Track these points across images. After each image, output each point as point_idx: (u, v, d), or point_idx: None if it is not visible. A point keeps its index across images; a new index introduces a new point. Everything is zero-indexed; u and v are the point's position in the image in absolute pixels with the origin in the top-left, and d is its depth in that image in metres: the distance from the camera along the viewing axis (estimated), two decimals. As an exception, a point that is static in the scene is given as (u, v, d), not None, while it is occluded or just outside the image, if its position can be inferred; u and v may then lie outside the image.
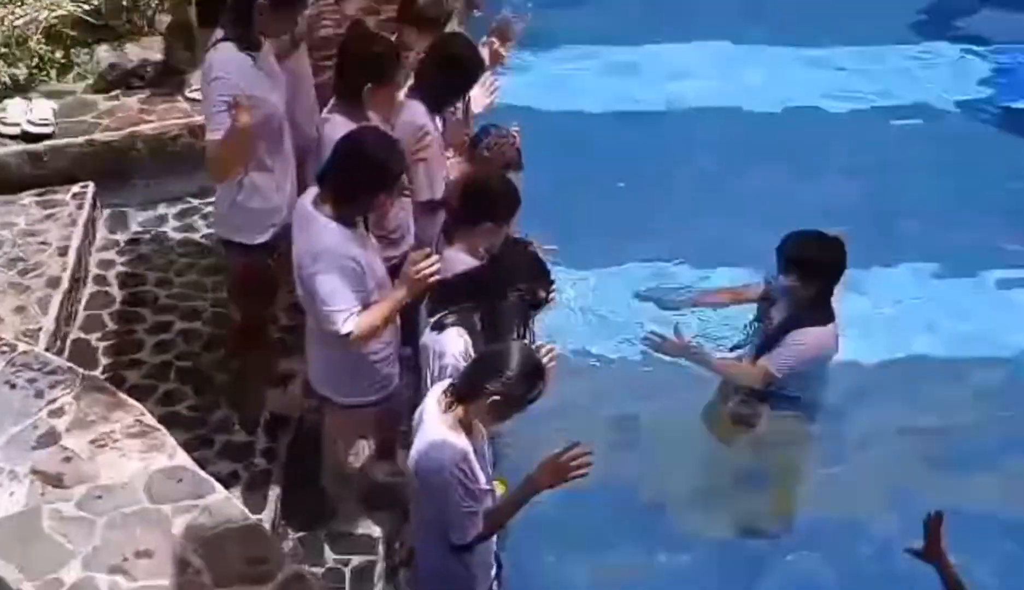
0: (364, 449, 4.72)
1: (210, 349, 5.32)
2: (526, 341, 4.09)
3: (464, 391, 3.74)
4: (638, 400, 5.41)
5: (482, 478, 3.80)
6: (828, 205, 6.18)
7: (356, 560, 4.76)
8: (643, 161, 6.64)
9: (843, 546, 4.90)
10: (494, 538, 4.04)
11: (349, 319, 4.13)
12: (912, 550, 3.74)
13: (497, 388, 3.67)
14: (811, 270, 4.87)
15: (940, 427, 5.28)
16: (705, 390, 5.22)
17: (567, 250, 5.37)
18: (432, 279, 4.10)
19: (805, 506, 5.16)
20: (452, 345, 4.17)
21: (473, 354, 4.09)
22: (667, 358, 5.12)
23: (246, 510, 4.12)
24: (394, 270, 4.39)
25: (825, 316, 4.97)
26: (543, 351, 4.10)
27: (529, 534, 4.63)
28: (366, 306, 4.20)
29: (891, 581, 4.54)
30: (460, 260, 4.51)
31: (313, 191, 4.27)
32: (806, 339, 4.94)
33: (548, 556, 4.86)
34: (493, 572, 4.12)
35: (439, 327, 4.22)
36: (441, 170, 4.96)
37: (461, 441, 3.74)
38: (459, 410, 3.75)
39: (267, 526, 4.57)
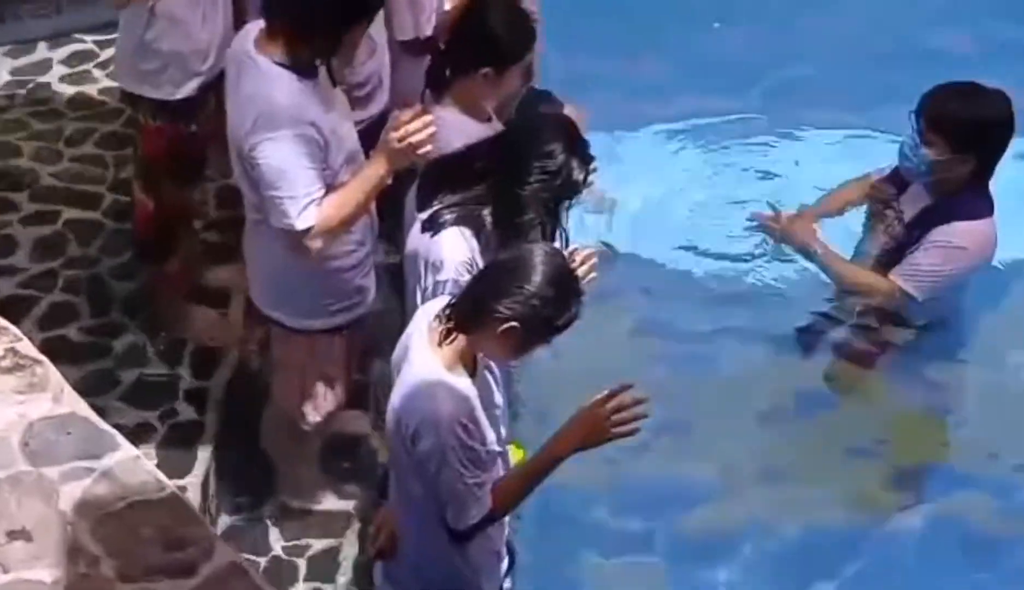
0: (327, 393, 4.73)
1: (111, 250, 5.36)
2: (555, 244, 4.07)
3: (467, 315, 3.74)
4: (709, 331, 5.53)
5: (490, 436, 3.82)
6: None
7: (315, 546, 4.84)
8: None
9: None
10: (505, 520, 4.07)
11: (308, 209, 4.16)
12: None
13: (514, 310, 3.68)
14: (967, 136, 4.86)
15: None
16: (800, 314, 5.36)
17: (609, 117, 5.43)
18: (424, 149, 4.12)
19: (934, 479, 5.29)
20: (452, 251, 4.19)
21: (481, 264, 4.12)
22: (771, 258, 5.36)
23: (162, 476, 4.06)
24: (366, 137, 4.41)
25: (983, 206, 5.01)
26: (579, 257, 4.13)
27: (552, 513, 4.78)
28: (331, 189, 4.23)
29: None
30: (455, 124, 4.53)
31: (256, 26, 4.29)
32: (958, 238, 4.96)
33: (575, 547, 5.00)
34: (504, 566, 4.17)
35: (433, 226, 4.24)
36: None
37: (462, 385, 3.75)
38: (460, 342, 3.76)
39: (192, 499, 4.60)
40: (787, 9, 6.84)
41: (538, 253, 3.75)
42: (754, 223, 5.52)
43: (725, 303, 5.59)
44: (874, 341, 5.25)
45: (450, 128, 4.46)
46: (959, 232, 4.95)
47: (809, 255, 5.26)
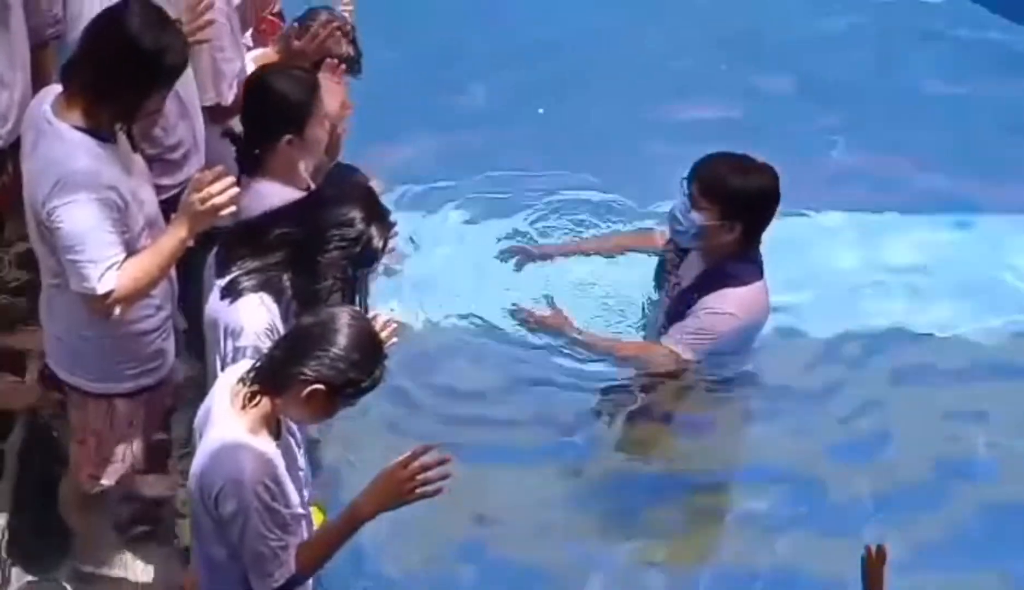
0: (125, 455, 4.73)
1: None
2: (356, 308, 4.12)
3: (271, 378, 3.76)
4: (510, 390, 5.65)
5: (294, 498, 3.85)
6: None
7: None
8: (527, 54, 7.01)
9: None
10: (309, 585, 4.09)
11: (108, 273, 4.17)
12: None
13: (319, 372, 3.71)
14: (736, 204, 5.07)
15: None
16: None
17: (415, 187, 5.61)
18: (227, 211, 4.14)
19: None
20: (251, 318, 4.21)
21: (282, 330, 4.15)
22: (541, 339, 5.44)
23: None
24: (175, 206, 4.41)
25: (751, 271, 5.21)
26: (380, 321, 4.20)
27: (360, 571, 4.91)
28: (130, 254, 4.25)
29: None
30: (273, 194, 4.58)
31: (52, 91, 4.31)
32: (727, 305, 5.16)
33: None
34: None
35: (232, 292, 4.25)
36: (236, 60, 5.05)
37: (266, 447, 3.78)
38: (263, 405, 3.78)
39: None
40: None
41: (343, 316, 3.77)
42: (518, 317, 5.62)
43: (522, 374, 5.70)
44: (663, 401, 5.45)
45: (268, 198, 4.50)
46: (729, 299, 5.14)
47: (571, 340, 5.41)
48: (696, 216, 5.09)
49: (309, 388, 3.71)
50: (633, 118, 6.81)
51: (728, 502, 5.49)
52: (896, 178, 6.60)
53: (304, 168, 4.73)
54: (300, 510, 3.89)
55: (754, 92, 7.04)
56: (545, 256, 5.90)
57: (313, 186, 4.74)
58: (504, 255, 5.92)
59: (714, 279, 5.17)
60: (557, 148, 6.67)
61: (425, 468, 3.78)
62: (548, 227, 6.26)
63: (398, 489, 3.81)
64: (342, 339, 3.71)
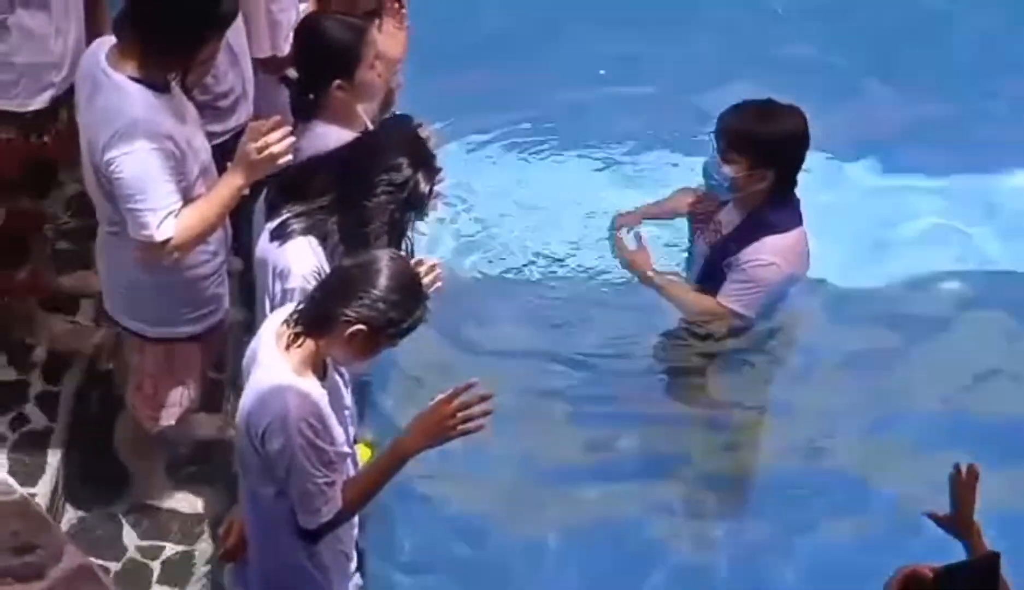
0: (182, 397, 4.85)
1: None
2: (400, 252, 4.16)
3: (314, 319, 3.81)
4: (554, 339, 5.72)
5: (339, 437, 3.91)
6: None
7: (168, 550, 4.95)
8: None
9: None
10: (355, 521, 4.17)
11: (167, 221, 4.24)
12: (935, 516, 3.90)
13: (360, 313, 3.75)
14: (764, 152, 5.05)
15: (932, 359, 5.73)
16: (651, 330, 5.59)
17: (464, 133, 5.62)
18: (284, 159, 4.19)
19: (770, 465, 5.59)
20: (299, 260, 4.26)
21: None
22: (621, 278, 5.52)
23: (11, 480, 4.27)
24: (228, 150, 4.46)
25: (789, 218, 5.20)
26: (424, 266, 4.24)
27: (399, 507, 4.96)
28: (187, 202, 4.32)
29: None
30: (331, 135, 4.60)
31: (106, 41, 4.37)
32: (768, 255, 5.16)
33: (417, 541, 5.20)
34: (352, 566, 4.28)
35: (281, 235, 4.31)
36: (290, 9, 5.08)
37: (310, 387, 3.82)
38: (308, 345, 3.83)
39: (42, 503, 4.70)
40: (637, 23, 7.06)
41: (383, 258, 3.82)
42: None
43: (571, 316, 5.82)
44: (701, 355, 5.48)
45: (325, 140, 4.55)
46: (768, 248, 5.13)
47: (646, 280, 5.43)
48: (727, 169, 5.10)
49: (351, 329, 3.76)
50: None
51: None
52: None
53: (363, 110, 4.76)
54: (346, 448, 3.97)
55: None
56: (635, 221, 5.75)
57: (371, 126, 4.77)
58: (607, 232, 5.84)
59: (753, 228, 5.18)
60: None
61: (467, 405, 3.83)
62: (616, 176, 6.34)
63: (441, 425, 3.87)
64: (382, 280, 3.77)
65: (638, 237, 5.51)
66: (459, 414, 3.85)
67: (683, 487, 5.45)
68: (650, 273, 5.42)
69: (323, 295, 3.83)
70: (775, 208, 5.19)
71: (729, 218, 5.30)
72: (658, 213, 5.74)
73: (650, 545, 5.28)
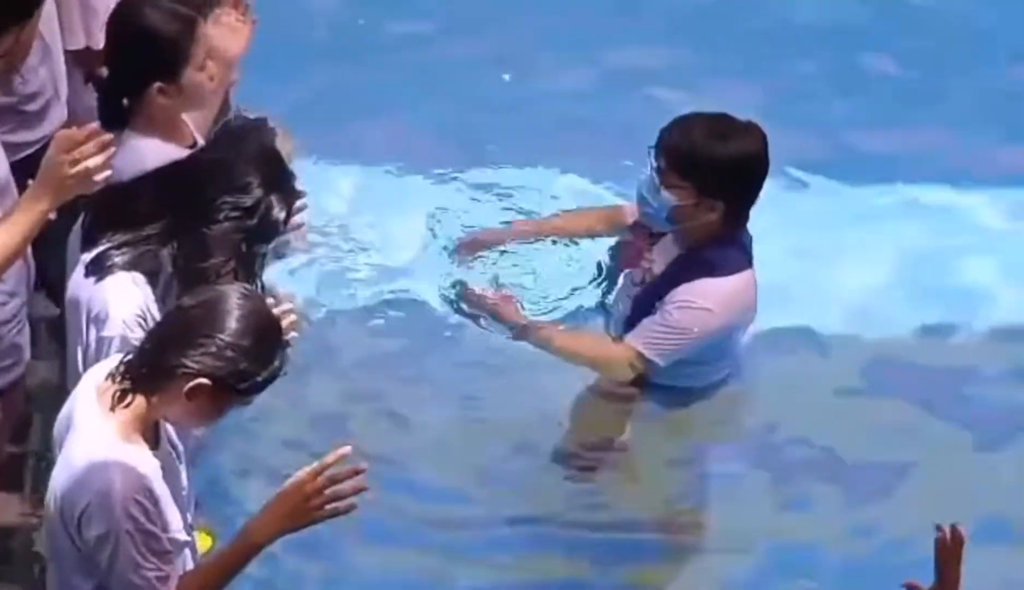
0: None
1: None
2: (249, 286, 3.93)
3: (145, 372, 3.61)
4: (428, 389, 5.50)
5: (175, 521, 3.69)
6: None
7: None
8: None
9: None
10: None
11: None
12: (914, 588, 3.81)
13: (203, 364, 3.55)
14: (714, 178, 4.82)
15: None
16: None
17: (330, 141, 5.54)
18: (102, 175, 3.96)
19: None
20: (120, 301, 4.05)
21: (157, 316, 3.98)
22: (473, 325, 5.29)
23: None
24: (26, 168, 4.22)
25: (735, 258, 4.97)
26: (280, 305, 3.98)
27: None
28: None
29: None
30: (152, 152, 4.38)
31: None
32: (703, 299, 4.91)
33: None
34: None
35: (99, 269, 4.09)
36: None
37: (139, 458, 3.60)
38: (137, 405, 3.62)
39: None
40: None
41: (232, 295, 3.63)
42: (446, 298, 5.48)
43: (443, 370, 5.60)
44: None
45: (144, 156, 4.32)
46: (704, 291, 4.90)
47: (518, 330, 5.21)
48: (667, 196, 4.86)
49: (192, 383, 3.56)
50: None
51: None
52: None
53: (190, 120, 4.59)
54: (182, 535, 3.74)
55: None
56: (497, 242, 5.62)
57: (202, 142, 4.57)
58: (446, 251, 5.67)
59: (691, 267, 4.94)
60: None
61: (336, 480, 3.67)
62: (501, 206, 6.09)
63: (304, 507, 3.70)
64: (231, 323, 3.58)
65: (496, 282, 5.40)
66: (326, 492, 3.69)
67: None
68: (523, 323, 5.19)
69: (157, 342, 3.64)
70: (721, 245, 4.95)
71: (662, 254, 5.06)
72: (601, 227, 5.49)
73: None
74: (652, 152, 4.88)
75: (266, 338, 3.61)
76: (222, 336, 3.54)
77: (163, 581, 3.61)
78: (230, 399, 3.64)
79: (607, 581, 5.14)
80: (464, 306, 5.36)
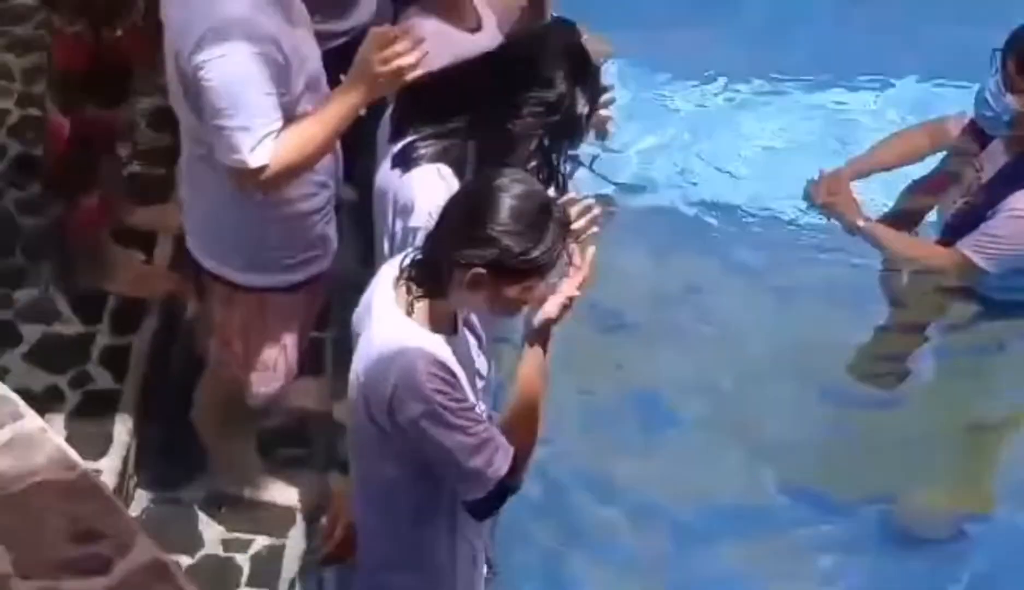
0: (278, 361, 4.68)
1: (16, 179, 5.35)
2: (521, 171, 3.97)
3: (429, 269, 3.72)
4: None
5: (470, 395, 3.78)
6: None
7: (257, 543, 4.84)
8: None
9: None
10: (486, 525, 4.05)
11: (263, 143, 4.11)
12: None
13: (474, 252, 3.63)
14: None
15: None
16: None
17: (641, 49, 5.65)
18: (412, 74, 4.06)
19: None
20: (426, 192, 4.12)
21: None
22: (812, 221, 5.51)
23: (73, 453, 4.06)
24: (341, 58, 4.29)
25: None
26: (576, 207, 4.07)
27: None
28: (289, 121, 4.17)
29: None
30: (437, 35, 4.44)
31: None
32: None
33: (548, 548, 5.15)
34: (481, 576, 4.16)
35: (406, 161, 4.19)
36: None
37: (435, 343, 3.71)
38: (429, 297, 3.74)
39: (108, 481, 4.58)
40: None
41: (500, 181, 3.69)
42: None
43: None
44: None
45: (430, 40, 4.30)
46: None
47: (854, 232, 5.35)
48: (1012, 100, 4.91)
49: (468, 274, 3.64)
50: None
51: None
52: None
53: (479, 4, 4.66)
54: (480, 411, 3.85)
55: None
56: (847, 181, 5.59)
57: (490, 27, 4.66)
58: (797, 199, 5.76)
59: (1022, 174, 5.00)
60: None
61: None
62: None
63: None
64: (500, 209, 3.64)
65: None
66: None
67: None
68: (858, 220, 5.32)
69: (435, 237, 3.75)
70: None
71: (992, 163, 5.12)
72: (881, 162, 5.57)
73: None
74: (999, 54, 4.94)
75: (536, 221, 3.64)
76: (491, 223, 3.61)
77: (490, 440, 3.70)
78: (511, 283, 3.67)
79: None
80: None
